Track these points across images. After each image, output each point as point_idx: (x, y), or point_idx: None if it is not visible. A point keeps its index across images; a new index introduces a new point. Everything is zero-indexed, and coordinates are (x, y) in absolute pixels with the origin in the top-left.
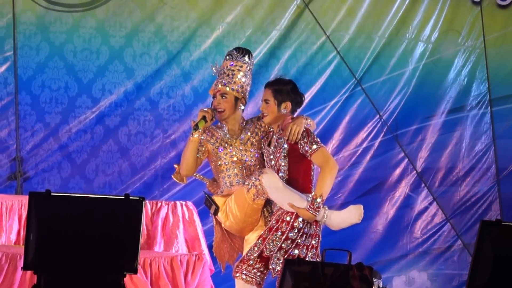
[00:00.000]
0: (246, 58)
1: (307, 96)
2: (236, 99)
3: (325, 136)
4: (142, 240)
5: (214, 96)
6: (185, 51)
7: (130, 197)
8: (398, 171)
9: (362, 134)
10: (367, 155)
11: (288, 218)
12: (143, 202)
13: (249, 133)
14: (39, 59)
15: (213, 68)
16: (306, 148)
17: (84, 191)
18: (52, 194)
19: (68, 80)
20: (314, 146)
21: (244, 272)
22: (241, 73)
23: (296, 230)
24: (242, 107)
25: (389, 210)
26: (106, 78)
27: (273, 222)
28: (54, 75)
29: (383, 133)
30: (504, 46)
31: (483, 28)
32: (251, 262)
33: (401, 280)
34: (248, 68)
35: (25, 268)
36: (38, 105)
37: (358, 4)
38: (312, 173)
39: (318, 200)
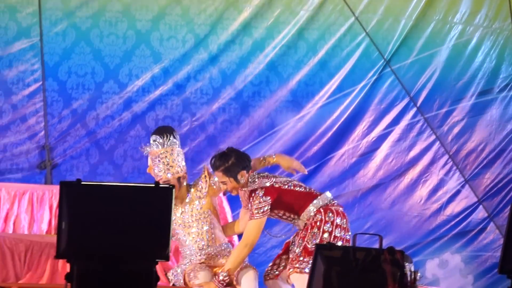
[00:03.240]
0: (172, 138)
1: (337, 79)
2: (179, 178)
3: (355, 118)
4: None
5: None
6: (212, 34)
7: (160, 185)
8: (429, 154)
9: (392, 116)
10: (397, 138)
11: (320, 217)
12: (173, 190)
13: (193, 206)
14: (65, 45)
15: (144, 150)
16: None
17: (112, 176)
18: (82, 183)
19: (94, 66)
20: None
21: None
22: (174, 155)
23: (329, 224)
24: (184, 180)
25: (422, 193)
26: (133, 63)
27: (303, 232)
28: (81, 60)
29: (412, 114)
30: None
31: (511, 9)
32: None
33: (434, 263)
34: (178, 146)
35: (57, 256)
36: (65, 92)
37: None
38: (299, 190)
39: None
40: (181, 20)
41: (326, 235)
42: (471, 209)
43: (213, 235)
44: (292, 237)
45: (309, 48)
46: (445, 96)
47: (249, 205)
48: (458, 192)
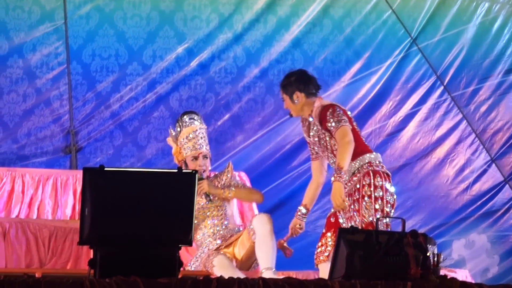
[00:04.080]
0: (200, 117)
1: (363, 57)
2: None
3: (381, 97)
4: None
5: (196, 158)
6: (236, 13)
7: (183, 170)
8: (456, 133)
9: (419, 95)
10: (424, 117)
11: (368, 181)
12: (196, 175)
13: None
14: (89, 27)
15: (172, 131)
16: (331, 127)
17: (136, 158)
18: (105, 169)
19: (118, 48)
20: (336, 125)
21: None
22: (205, 134)
23: (379, 189)
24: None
25: (448, 173)
26: (156, 44)
27: (355, 194)
28: (105, 43)
29: (439, 93)
30: None
31: None
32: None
33: (461, 244)
34: (204, 125)
35: (80, 243)
36: (89, 74)
37: None
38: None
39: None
40: None
41: (377, 204)
42: (497, 188)
43: (226, 221)
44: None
45: (335, 25)
46: (472, 74)
47: (327, 122)
48: (484, 172)
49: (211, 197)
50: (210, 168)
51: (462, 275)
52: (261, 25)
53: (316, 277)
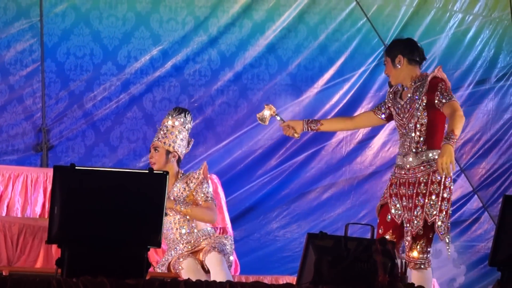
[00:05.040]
0: (182, 115)
1: (337, 64)
2: (168, 152)
3: (354, 104)
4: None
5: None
6: (212, 16)
7: (154, 171)
8: None
9: None
10: (395, 125)
11: (439, 178)
12: (167, 176)
13: (175, 189)
14: (64, 26)
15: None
16: (441, 98)
17: (108, 158)
18: (76, 168)
19: (93, 47)
20: (449, 97)
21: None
22: (175, 129)
23: (448, 190)
24: (173, 161)
25: None
26: (131, 45)
27: (421, 187)
28: (80, 42)
29: None
30: None
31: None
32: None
33: None
34: (184, 125)
35: (49, 241)
36: (63, 73)
37: None
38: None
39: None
40: (182, 2)
41: (444, 205)
42: (466, 198)
43: (193, 224)
44: (390, 195)
45: (310, 32)
46: None
47: (438, 92)
48: (453, 181)
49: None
50: (170, 162)
51: None
52: (236, 29)
53: (285, 281)
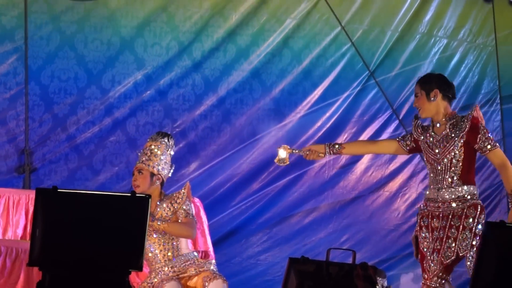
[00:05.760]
0: (166, 139)
1: (320, 89)
2: (152, 175)
3: (337, 129)
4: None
5: (133, 173)
6: (197, 41)
7: (137, 195)
8: (409, 167)
9: (374, 128)
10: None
11: (474, 213)
12: (149, 200)
13: (160, 209)
14: (49, 49)
15: (138, 153)
16: (486, 144)
17: (91, 182)
18: (59, 190)
19: (77, 71)
20: (494, 145)
21: (433, 285)
22: (159, 152)
23: (480, 226)
24: (158, 184)
25: (400, 207)
26: (116, 69)
27: (455, 220)
28: (64, 65)
29: (394, 127)
30: None
31: (495, 25)
32: (438, 272)
33: (409, 277)
34: (167, 148)
35: (30, 264)
36: (47, 96)
37: None
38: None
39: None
40: (166, 27)
41: (475, 241)
42: None
43: (178, 245)
44: (420, 227)
45: (294, 56)
46: None
47: (480, 135)
48: None
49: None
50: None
51: None
52: (220, 54)
53: None
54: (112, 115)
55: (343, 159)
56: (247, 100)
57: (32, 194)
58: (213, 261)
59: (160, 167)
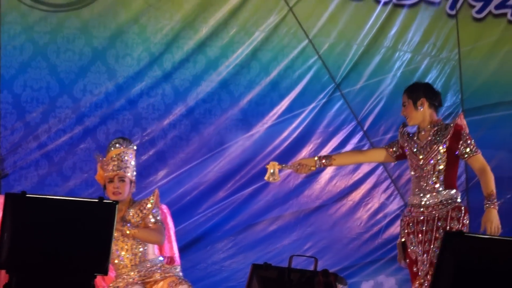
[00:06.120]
0: (134, 146)
1: (287, 100)
2: (130, 182)
3: (303, 139)
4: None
5: (111, 181)
6: (167, 53)
7: (104, 201)
8: (372, 178)
9: (339, 139)
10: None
11: (459, 215)
12: (116, 206)
13: (129, 215)
14: (22, 58)
15: (98, 157)
16: (468, 150)
17: (60, 188)
18: (27, 195)
19: (50, 80)
20: (475, 151)
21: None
22: (133, 159)
23: (465, 228)
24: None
25: (362, 216)
26: (87, 79)
27: (441, 222)
28: (36, 75)
29: (359, 138)
30: (478, 58)
31: (458, 40)
32: (428, 271)
33: (369, 285)
34: (134, 153)
35: None
36: (19, 104)
37: (340, 11)
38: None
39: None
40: (138, 38)
41: None
42: None
43: (145, 251)
44: (408, 234)
45: (262, 68)
46: (391, 122)
47: (463, 141)
48: (398, 216)
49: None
50: (132, 191)
51: None
52: (190, 65)
53: None
54: (83, 123)
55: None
56: (216, 110)
57: (1, 199)
58: (179, 266)
59: (134, 173)
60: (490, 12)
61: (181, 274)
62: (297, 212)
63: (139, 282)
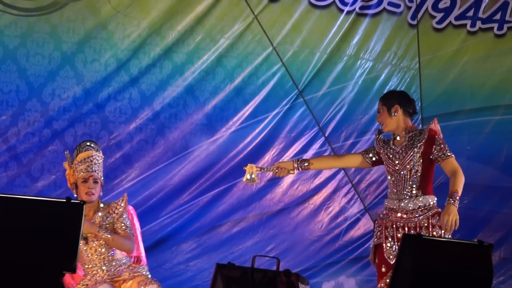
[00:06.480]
0: (100, 148)
1: (251, 106)
2: (101, 184)
3: (266, 144)
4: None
5: (86, 181)
6: (134, 58)
7: (72, 201)
8: (333, 182)
9: (301, 144)
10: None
11: (438, 221)
12: (84, 206)
13: (98, 218)
14: None
15: (68, 155)
16: (441, 154)
17: (29, 189)
18: None
19: (19, 84)
20: (449, 154)
21: None
22: (100, 161)
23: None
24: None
25: (323, 219)
26: (56, 83)
27: (423, 231)
28: (6, 78)
29: (320, 144)
30: (437, 68)
31: (419, 49)
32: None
33: (330, 285)
34: (102, 158)
35: None
36: None
37: (304, 20)
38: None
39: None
40: (106, 44)
41: None
42: (368, 236)
43: (112, 251)
44: (386, 237)
45: (227, 74)
46: (352, 128)
47: (436, 145)
48: (358, 220)
49: (88, 239)
50: (100, 194)
51: None
52: (157, 70)
53: None
54: (51, 126)
55: (271, 173)
56: (181, 115)
57: None
58: (146, 266)
59: (102, 175)
60: (450, 23)
61: (148, 273)
62: (260, 214)
63: (107, 280)
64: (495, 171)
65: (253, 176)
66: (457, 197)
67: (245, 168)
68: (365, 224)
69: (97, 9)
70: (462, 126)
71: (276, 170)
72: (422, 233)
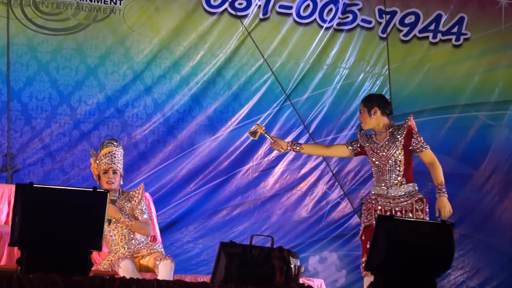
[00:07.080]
0: (121, 145)
1: (246, 108)
2: (120, 175)
3: (259, 141)
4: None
5: (106, 172)
6: (147, 70)
7: (98, 190)
8: (317, 172)
9: (289, 140)
10: (292, 158)
11: (421, 206)
12: (108, 194)
13: (121, 203)
14: (28, 74)
15: (93, 152)
16: (419, 146)
17: (62, 181)
18: (34, 185)
19: (51, 92)
20: (425, 146)
21: None
22: (121, 155)
23: (428, 216)
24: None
25: (309, 203)
26: (82, 91)
27: (408, 214)
28: (40, 87)
29: (305, 140)
30: (404, 74)
31: (388, 58)
32: None
33: (315, 259)
34: (122, 153)
35: (11, 244)
36: (27, 112)
37: (290, 35)
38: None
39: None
40: (123, 58)
41: None
42: (347, 217)
43: (132, 234)
44: (376, 219)
45: (225, 83)
46: (332, 126)
47: (413, 139)
48: (338, 204)
49: (111, 222)
50: (121, 183)
51: (318, 283)
52: (167, 81)
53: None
54: (79, 128)
55: (264, 164)
56: (187, 118)
57: (13, 188)
58: (161, 244)
59: (122, 169)
60: (415, 35)
61: (163, 250)
62: (255, 200)
63: (128, 256)
64: (454, 161)
65: (257, 133)
66: (444, 188)
67: (256, 124)
68: (345, 207)
69: (115, 29)
70: (426, 123)
71: (273, 141)
72: (410, 215)
